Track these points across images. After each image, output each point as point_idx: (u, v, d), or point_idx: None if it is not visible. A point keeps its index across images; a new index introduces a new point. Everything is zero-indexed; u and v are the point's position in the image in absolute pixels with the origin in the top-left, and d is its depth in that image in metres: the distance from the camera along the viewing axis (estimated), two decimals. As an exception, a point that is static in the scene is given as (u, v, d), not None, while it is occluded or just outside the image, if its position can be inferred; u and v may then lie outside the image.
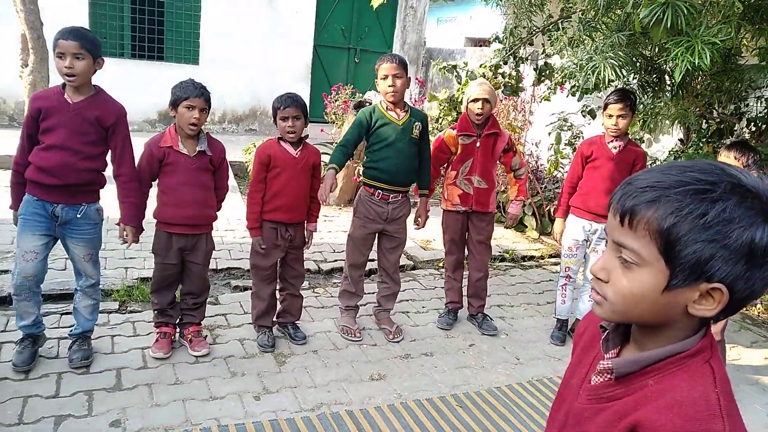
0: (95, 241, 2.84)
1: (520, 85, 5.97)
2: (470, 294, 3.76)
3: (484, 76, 6.03)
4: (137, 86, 8.53)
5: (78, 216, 2.73)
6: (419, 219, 3.52)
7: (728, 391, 0.85)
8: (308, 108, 3.23)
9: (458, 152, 3.53)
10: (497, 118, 3.93)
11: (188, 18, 9.02)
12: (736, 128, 4.65)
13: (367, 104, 6.24)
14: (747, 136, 4.56)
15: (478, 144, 3.50)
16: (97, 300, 2.94)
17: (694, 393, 0.83)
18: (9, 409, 2.46)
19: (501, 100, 6.53)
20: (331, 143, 7.20)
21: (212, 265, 3.81)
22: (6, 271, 3.70)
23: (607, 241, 0.96)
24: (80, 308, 2.89)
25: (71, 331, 2.93)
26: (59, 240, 2.79)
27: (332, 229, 5.39)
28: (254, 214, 3.11)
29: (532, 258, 5.28)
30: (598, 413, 0.91)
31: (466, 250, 3.75)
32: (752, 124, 4.58)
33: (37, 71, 5.67)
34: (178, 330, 3.16)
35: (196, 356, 3.03)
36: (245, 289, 3.97)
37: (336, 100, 7.35)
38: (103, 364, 2.87)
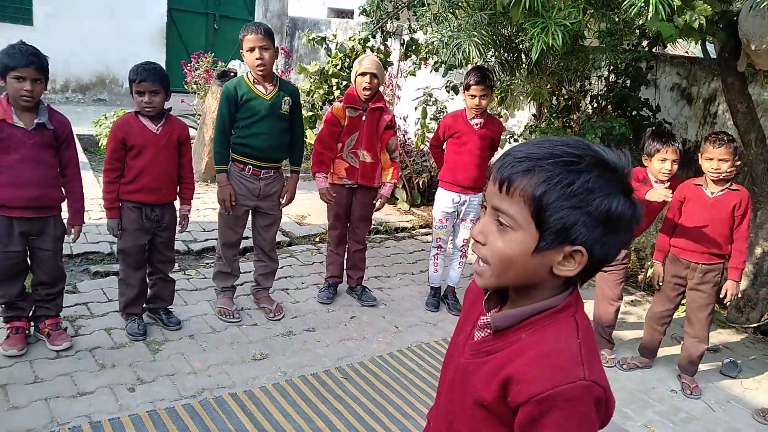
0: None
1: (388, 59, 6.07)
2: (349, 267, 3.81)
3: (353, 50, 6.05)
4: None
5: None
6: (285, 195, 3.40)
7: (590, 340, 0.96)
8: (167, 78, 2.99)
9: (345, 125, 3.51)
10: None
11: (17, -29, 7.95)
12: (581, 104, 5.12)
13: (232, 74, 5.96)
14: (590, 111, 5.05)
15: (364, 118, 3.50)
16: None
17: (560, 344, 0.93)
18: None
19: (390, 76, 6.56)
20: (194, 115, 6.82)
21: (66, 251, 3.48)
22: None
23: (486, 208, 1.03)
24: None
25: None
26: None
27: (200, 207, 5.13)
28: (110, 193, 2.87)
29: (404, 230, 5.45)
30: (480, 367, 0.99)
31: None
32: (594, 100, 5.07)
33: None
34: (32, 324, 2.85)
35: (56, 351, 2.76)
36: (107, 274, 3.68)
37: (196, 69, 6.96)
38: (-59, 369, 2.52)
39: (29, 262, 2.77)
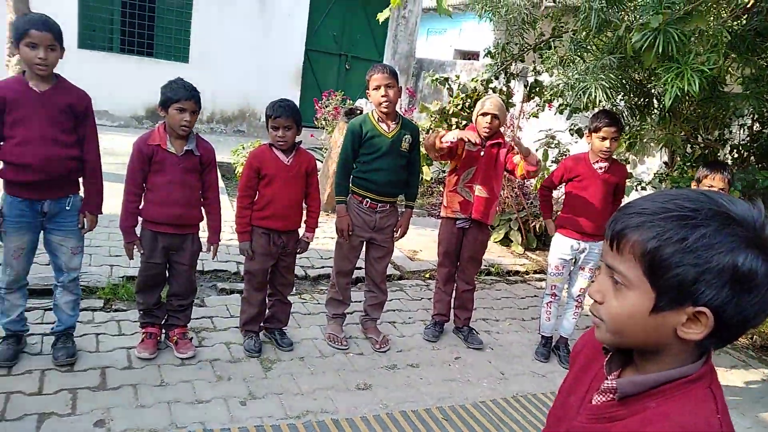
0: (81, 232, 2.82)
1: (510, 100, 6.06)
2: (457, 306, 3.79)
3: (475, 90, 6.12)
4: (125, 82, 8.47)
5: (67, 208, 2.71)
6: (399, 228, 3.49)
7: (728, 417, 0.88)
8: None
9: (462, 157, 3.54)
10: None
11: (179, 15, 8.98)
12: (719, 154, 4.77)
13: (358, 112, 6.26)
14: (729, 161, 4.68)
15: (482, 153, 3.52)
16: (78, 295, 2.91)
17: (697, 418, 0.85)
18: (-11, 406, 2.42)
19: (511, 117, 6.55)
20: (321, 149, 7.21)
21: (198, 267, 3.78)
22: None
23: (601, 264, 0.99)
24: (61, 304, 2.85)
25: (53, 328, 2.88)
26: (43, 234, 2.75)
27: (319, 236, 5.37)
28: (243, 218, 3.10)
29: (517, 273, 5.33)
30: None
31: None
32: (735, 150, 4.71)
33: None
34: (163, 331, 3.13)
35: (181, 358, 3.00)
36: (232, 292, 3.95)
37: (327, 106, 7.37)
38: (87, 363, 2.83)
39: (167, 274, 3.06)
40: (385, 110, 3.27)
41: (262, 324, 3.33)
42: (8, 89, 2.53)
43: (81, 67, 6.83)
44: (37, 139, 2.54)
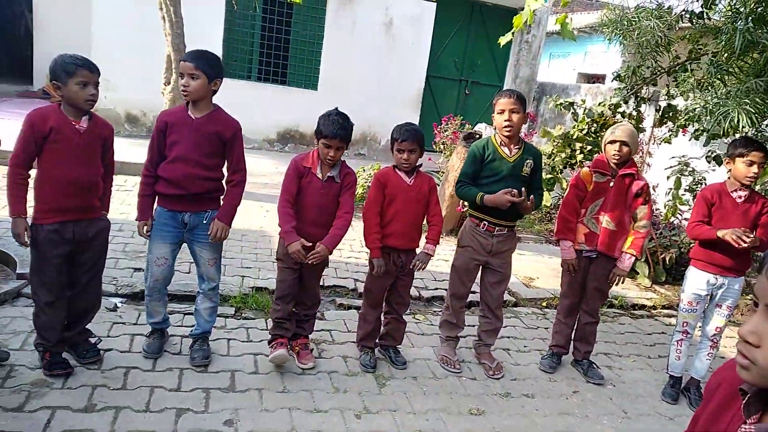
0: (219, 246, 3.07)
1: (641, 125, 5.78)
2: (578, 338, 3.64)
3: (602, 115, 5.90)
4: (260, 108, 9.14)
5: (204, 222, 2.98)
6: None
7: None
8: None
9: (590, 189, 3.44)
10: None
11: (311, 45, 9.57)
12: None
13: (477, 136, 6.27)
14: None
15: (611, 183, 3.40)
16: (216, 303, 3.16)
17: None
18: (138, 396, 2.70)
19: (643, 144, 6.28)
20: (438, 171, 7.29)
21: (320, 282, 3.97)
22: (139, 269, 4.08)
23: (757, 304, 0.93)
24: (201, 310, 3.11)
25: (192, 331, 3.16)
26: (186, 245, 3.04)
27: (433, 257, 5.42)
28: (374, 234, 3.17)
29: (643, 307, 5.01)
30: None
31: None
32: None
33: (177, 89, 6.23)
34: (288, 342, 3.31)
35: (302, 368, 3.16)
36: (349, 307, 4.10)
37: (445, 130, 7.46)
38: (219, 365, 3.07)
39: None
40: (507, 134, 3.26)
41: (377, 341, 3.42)
42: (172, 115, 2.94)
43: (223, 93, 7.48)
44: (183, 160, 2.87)
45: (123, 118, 8.85)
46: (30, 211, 2.64)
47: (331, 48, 9.57)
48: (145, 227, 2.96)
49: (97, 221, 2.82)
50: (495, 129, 3.39)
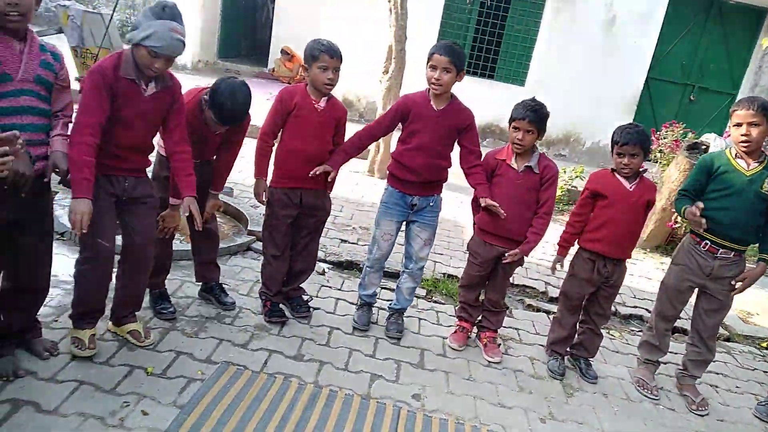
0: (435, 228, 3.21)
1: None
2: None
3: None
4: (466, 101, 9.22)
5: (431, 204, 3.13)
6: (740, 282, 3.02)
7: None
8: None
9: None
10: None
11: (524, 41, 9.40)
12: None
13: (703, 148, 5.65)
14: None
15: None
16: (417, 284, 3.31)
17: None
18: (339, 355, 2.95)
19: None
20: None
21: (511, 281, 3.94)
22: (345, 241, 4.42)
23: None
24: (403, 288, 3.28)
25: (391, 305, 3.34)
26: (406, 225, 3.21)
27: (635, 273, 5.05)
28: (572, 235, 3.16)
29: None
30: None
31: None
32: None
33: (394, 78, 6.58)
34: (475, 330, 3.35)
35: (488, 361, 3.17)
36: (538, 310, 4.01)
37: (664, 138, 6.84)
38: (410, 341, 3.22)
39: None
40: (744, 149, 2.91)
41: (568, 348, 3.29)
42: (416, 104, 3.04)
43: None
44: (425, 150, 3.01)
45: (340, 101, 9.59)
46: (270, 176, 3.02)
47: (545, 44, 9.30)
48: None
49: (321, 192, 3.12)
50: (731, 142, 3.02)
